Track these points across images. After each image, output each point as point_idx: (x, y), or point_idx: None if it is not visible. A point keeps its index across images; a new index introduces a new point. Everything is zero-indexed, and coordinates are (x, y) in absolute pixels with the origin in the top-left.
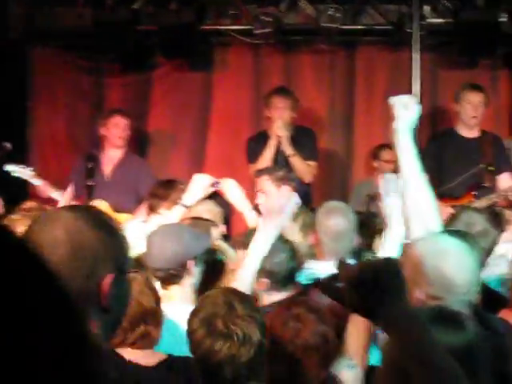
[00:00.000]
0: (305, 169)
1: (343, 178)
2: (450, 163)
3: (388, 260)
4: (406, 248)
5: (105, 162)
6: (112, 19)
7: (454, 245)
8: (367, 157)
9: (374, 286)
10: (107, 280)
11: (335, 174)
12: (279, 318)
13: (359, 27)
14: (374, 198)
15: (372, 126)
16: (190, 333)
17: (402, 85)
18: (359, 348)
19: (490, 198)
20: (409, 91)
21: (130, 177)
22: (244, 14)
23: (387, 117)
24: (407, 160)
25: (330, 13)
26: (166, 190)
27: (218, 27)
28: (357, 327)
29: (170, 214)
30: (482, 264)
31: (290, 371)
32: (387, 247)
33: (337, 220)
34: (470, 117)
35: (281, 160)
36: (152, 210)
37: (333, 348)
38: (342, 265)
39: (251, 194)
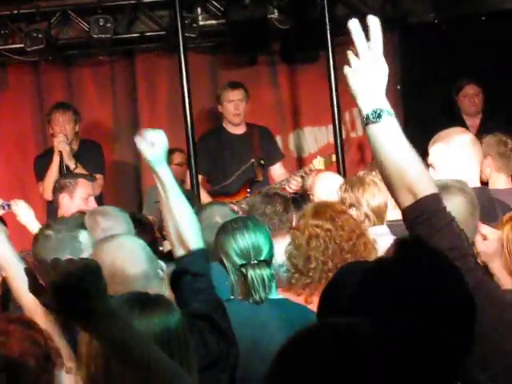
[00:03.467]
0: None
1: (135, 187)
2: (221, 161)
3: (88, 262)
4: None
5: None
6: None
7: (119, 240)
8: None
9: (76, 288)
10: None
11: (127, 184)
12: None
13: (134, 35)
14: None
15: None
16: None
17: None
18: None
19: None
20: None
21: None
22: (15, 32)
23: (172, 121)
24: (169, 188)
25: (101, 24)
26: None
27: None
28: None
29: None
30: None
31: None
32: None
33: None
34: (233, 115)
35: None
36: None
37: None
38: (46, 267)
39: (42, 213)
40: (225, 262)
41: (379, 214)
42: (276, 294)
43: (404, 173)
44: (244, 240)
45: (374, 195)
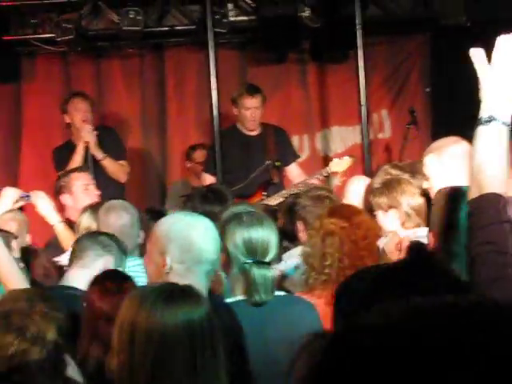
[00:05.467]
0: (119, 169)
1: (159, 180)
2: (235, 162)
3: None
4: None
5: None
6: None
7: (199, 220)
8: (181, 157)
9: None
10: None
11: (151, 177)
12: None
13: (163, 29)
14: (189, 197)
15: (184, 126)
16: None
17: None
18: None
19: (281, 194)
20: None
21: None
22: (46, 22)
23: (199, 116)
24: None
25: (131, 16)
26: None
27: (21, 37)
28: None
29: None
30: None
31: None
32: None
33: (117, 215)
34: (248, 122)
35: (90, 165)
36: None
37: None
38: None
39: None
40: (229, 253)
41: (420, 213)
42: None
43: (482, 170)
44: (257, 235)
45: (414, 194)
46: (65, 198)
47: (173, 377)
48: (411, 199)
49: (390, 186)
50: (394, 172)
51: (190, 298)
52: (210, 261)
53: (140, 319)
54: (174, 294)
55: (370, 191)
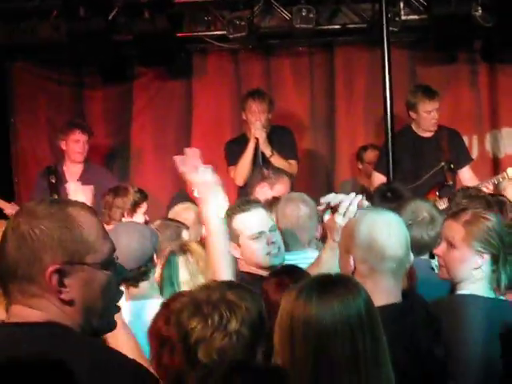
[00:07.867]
0: (286, 168)
1: (327, 179)
2: (408, 163)
3: None
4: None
5: (67, 177)
6: (86, 30)
7: (384, 215)
8: (350, 156)
9: None
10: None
11: (319, 175)
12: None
13: (335, 27)
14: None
15: (353, 125)
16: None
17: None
18: None
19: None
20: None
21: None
22: (218, 19)
23: (368, 116)
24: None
25: (303, 14)
26: (123, 198)
27: (194, 34)
28: None
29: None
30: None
31: None
32: None
33: (295, 207)
34: (430, 125)
35: (261, 161)
36: (112, 219)
37: None
38: None
39: (233, 198)
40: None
41: None
42: None
43: None
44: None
45: None
46: (262, 187)
47: (334, 367)
48: None
49: None
50: None
51: (345, 287)
52: (394, 258)
53: (297, 313)
54: (328, 284)
55: None
